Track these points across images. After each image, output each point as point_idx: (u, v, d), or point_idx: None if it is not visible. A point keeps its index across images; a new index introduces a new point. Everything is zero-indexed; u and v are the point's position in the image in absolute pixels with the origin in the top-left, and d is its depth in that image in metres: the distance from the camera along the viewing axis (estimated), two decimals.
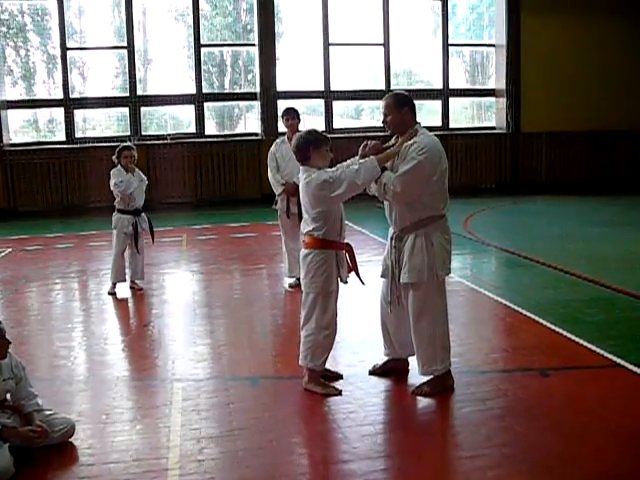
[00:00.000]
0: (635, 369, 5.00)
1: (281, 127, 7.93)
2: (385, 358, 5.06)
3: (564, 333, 5.87)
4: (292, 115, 7.66)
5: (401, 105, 4.66)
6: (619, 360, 5.18)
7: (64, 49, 15.53)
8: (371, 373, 5.03)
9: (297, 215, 7.35)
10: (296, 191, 7.35)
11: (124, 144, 7.95)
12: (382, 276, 4.88)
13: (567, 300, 7.02)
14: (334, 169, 4.54)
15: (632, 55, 17.02)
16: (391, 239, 4.77)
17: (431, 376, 4.69)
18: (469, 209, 13.70)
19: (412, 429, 4.24)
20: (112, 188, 7.71)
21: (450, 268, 4.73)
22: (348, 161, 4.68)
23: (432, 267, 4.56)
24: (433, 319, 4.63)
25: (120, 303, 7.52)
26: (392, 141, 4.74)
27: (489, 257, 9.73)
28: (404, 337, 4.83)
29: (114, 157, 7.81)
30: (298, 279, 7.28)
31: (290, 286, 7.75)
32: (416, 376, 4.79)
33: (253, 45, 16.21)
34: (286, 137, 7.72)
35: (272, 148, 7.83)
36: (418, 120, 4.72)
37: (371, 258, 8.47)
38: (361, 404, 4.48)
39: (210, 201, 15.52)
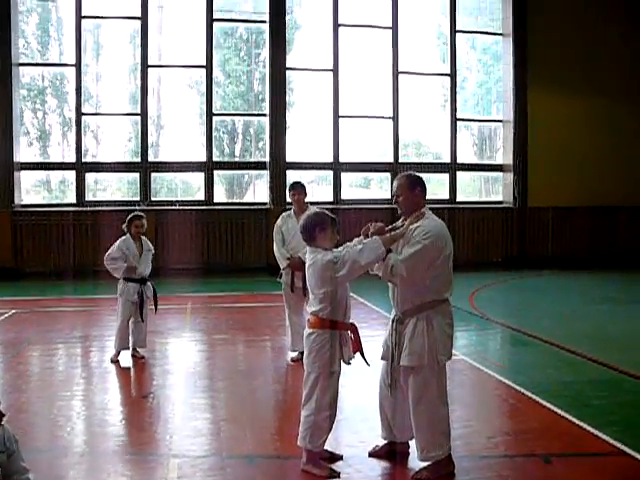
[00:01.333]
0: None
1: (289, 197, 8.00)
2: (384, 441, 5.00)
3: (567, 417, 5.78)
4: (298, 190, 7.77)
5: (413, 186, 4.73)
6: (624, 447, 5.08)
7: (79, 114, 15.85)
8: (371, 455, 4.95)
9: (302, 289, 7.37)
10: (301, 266, 7.39)
11: (135, 213, 8.03)
12: (382, 358, 4.86)
13: (571, 381, 6.95)
14: (340, 249, 4.58)
15: (636, 134, 17.23)
16: (392, 321, 4.77)
17: (430, 462, 4.61)
18: (475, 284, 13.68)
19: None
20: (111, 256, 7.75)
21: (451, 353, 4.71)
22: (354, 240, 4.72)
23: (432, 351, 4.54)
24: (432, 403, 4.58)
25: (121, 372, 7.47)
26: (398, 223, 4.79)
27: (493, 334, 9.68)
28: (402, 421, 4.77)
29: (124, 225, 7.89)
30: (301, 353, 7.20)
31: (292, 360, 7.70)
32: (417, 459, 4.71)
33: (264, 115, 16.51)
34: (292, 211, 7.80)
35: (279, 221, 7.89)
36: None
37: (373, 333, 8.41)
38: None
39: (216, 268, 15.55)
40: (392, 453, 4.93)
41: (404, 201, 4.72)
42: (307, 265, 4.64)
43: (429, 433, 4.58)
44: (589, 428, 5.51)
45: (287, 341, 7.92)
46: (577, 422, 5.66)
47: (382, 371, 4.89)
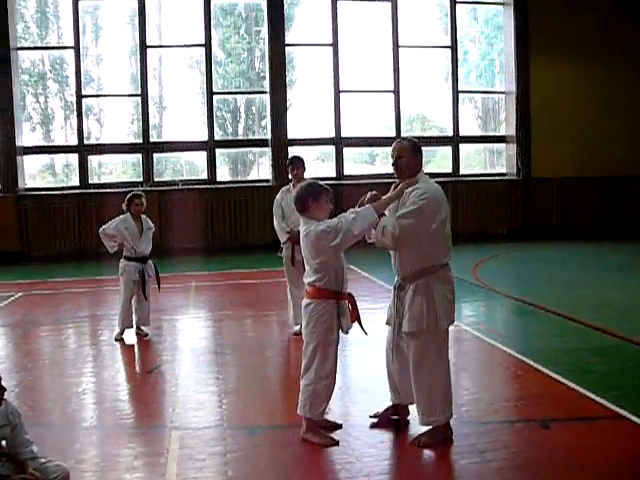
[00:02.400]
0: (638, 420, 4.94)
1: (289, 172, 8.02)
2: (386, 405, 5.04)
3: (567, 383, 5.81)
4: (297, 165, 7.77)
5: (416, 150, 4.72)
6: (622, 411, 5.11)
7: (80, 97, 15.86)
8: (372, 417, 5.00)
9: (302, 263, 7.39)
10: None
11: (134, 192, 8.05)
12: (387, 323, 4.91)
13: (572, 349, 6.97)
14: (334, 219, 4.59)
15: (639, 102, 17.12)
16: (394, 288, 4.80)
17: (430, 426, 4.66)
18: (479, 255, 13.70)
19: None
20: (105, 232, 7.81)
21: (453, 317, 4.73)
22: (348, 211, 4.73)
23: (432, 316, 4.56)
24: (433, 369, 4.61)
25: (126, 349, 7.55)
26: (391, 188, 4.79)
27: (496, 304, 9.70)
28: (408, 384, 4.81)
29: (124, 205, 7.92)
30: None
31: (295, 333, 7.75)
32: (417, 427, 4.76)
33: (265, 93, 16.48)
34: (291, 185, 7.81)
35: (278, 196, 7.92)
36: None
37: (376, 305, 8.46)
38: (358, 455, 4.45)
39: (221, 247, 15.63)
40: (391, 418, 4.97)
41: (406, 163, 4.67)
42: (301, 236, 4.67)
43: (429, 398, 4.62)
44: (588, 393, 5.54)
45: (289, 315, 7.97)
46: (577, 388, 5.69)
47: (387, 336, 4.93)
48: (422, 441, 4.62)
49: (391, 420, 4.98)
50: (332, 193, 4.77)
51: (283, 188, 7.99)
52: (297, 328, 7.78)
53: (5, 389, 3.90)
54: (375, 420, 5.00)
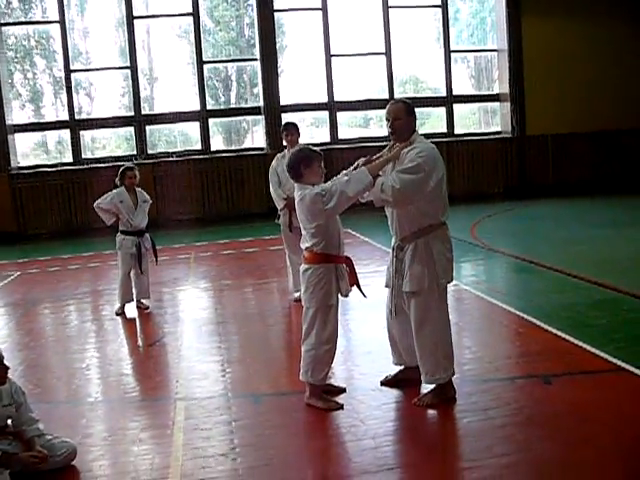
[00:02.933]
0: (639, 372, 4.97)
1: (283, 138, 7.97)
2: (396, 369, 5.07)
3: (568, 338, 5.84)
4: (291, 130, 7.71)
5: (411, 111, 4.67)
6: (623, 364, 5.14)
7: (68, 71, 15.70)
8: (383, 384, 5.03)
9: (299, 229, 7.38)
10: None
11: (126, 165, 8.00)
12: (386, 285, 4.91)
13: (572, 304, 6.99)
14: (328, 183, 4.57)
15: (633, 55, 16.97)
16: (393, 249, 4.79)
17: (434, 384, 4.69)
18: (476, 215, 13.69)
19: (413, 441, 4.25)
20: (100, 206, 7.78)
21: (452, 276, 4.73)
22: (341, 173, 4.71)
23: (432, 275, 4.56)
24: (435, 327, 4.62)
25: (128, 323, 7.57)
26: (385, 150, 4.76)
27: (495, 263, 9.71)
28: (410, 345, 4.82)
29: (117, 179, 7.87)
30: None
31: (296, 300, 7.76)
32: (424, 387, 4.79)
33: (256, 60, 16.32)
34: (286, 152, 7.76)
35: (273, 163, 7.87)
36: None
37: (376, 269, 8.47)
38: (362, 418, 4.48)
39: (217, 217, 15.60)
40: (404, 381, 4.99)
41: (402, 124, 4.62)
42: (296, 201, 4.64)
43: (432, 357, 4.64)
44: (589, 347, 5.57)
45: (289, 282, 7.97)
46: (577, 342, 5.72)
47: (387, 298, 4.93)
48: (425, 401, 4.65)
49: (403, 382, 4.99)
50: (323, 156, 4.74)
51: (278, 155, 7.95)
52: (297, 295, 7.79)
53: (8, 367, 3.92)
54: (384, 383, 5.03)
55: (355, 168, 4.60)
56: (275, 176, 7.79)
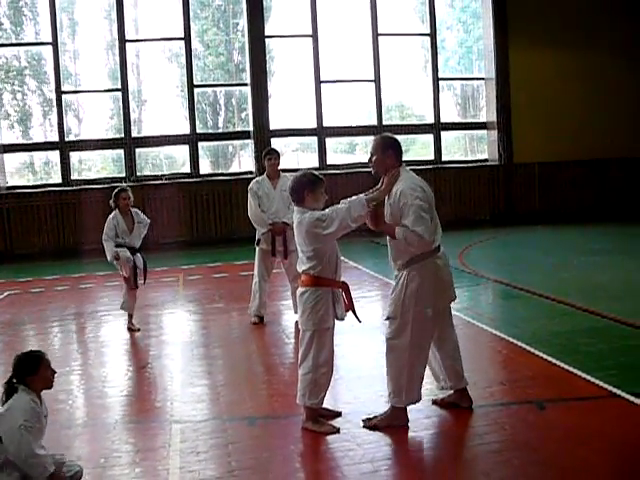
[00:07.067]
0: (632, 399, 5.02)
1: (265, 162, 8.12)
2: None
3: (560, 364, 5.89)
4: (275, 156, 7.99)
5: (386, 148, 4.80)
6: (616, 390, 5.20)
7: (59, 92, 15.71)
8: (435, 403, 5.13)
9: (284, 253, 7.63)
10: (283, 230, 7.59)
11: (120, 187, 7.98)
12: None
13: (562, 331, 7.05)
14: (327, 210, 4.63)
15: (619, 85, 17.23)
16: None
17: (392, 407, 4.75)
18: (464, 241, 13.77)
19: (410, 466, 4.26)
20: (106, 233, 7.78)
21: (436, 304, 4.72)
22: (341, 202, 4.77)
23: (406, 303, 4.62)
24: (402, 354, 4.66)
25: (118, 345, 7.52)
26: (379, 186, 4.86)
27: (484, 289, 9.77)
28: (440, 368, 5.04)
29: (111, 202, 7.84)
30: (260, 318, 7.85)
31: (254, 323, 7.92)
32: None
33: (246, 85, 16.43)
34: (266, 175, 7.94)
35: (253, 186, 8.00)
36: (405, 158, 4.87)
37: (366, 294, 8.51)
38: (359, 442, 4.49)
39: (206, 240, 15.57)
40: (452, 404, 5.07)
41: (377, 162, 4.81)
42: (295, 225, 4.70)
43: (395, 380, 4.71)
44: (581, 373, 5.63)
45: (252, 306, 8.05)
46: (569, 369, 5.77)
47: None
48: (373, 423, 4.72)
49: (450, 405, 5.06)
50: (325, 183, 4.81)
51: (257, 178, 8.22)
52: (255, 319, 7.95)
53: (55, 372, 3.91)
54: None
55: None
56: (256, 199, 7.89)
